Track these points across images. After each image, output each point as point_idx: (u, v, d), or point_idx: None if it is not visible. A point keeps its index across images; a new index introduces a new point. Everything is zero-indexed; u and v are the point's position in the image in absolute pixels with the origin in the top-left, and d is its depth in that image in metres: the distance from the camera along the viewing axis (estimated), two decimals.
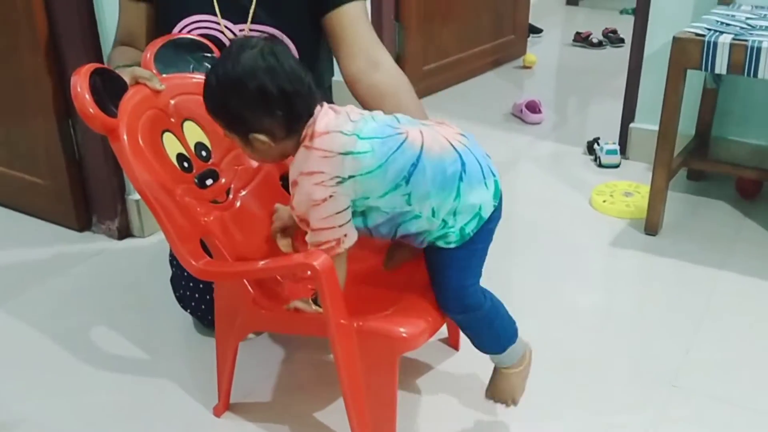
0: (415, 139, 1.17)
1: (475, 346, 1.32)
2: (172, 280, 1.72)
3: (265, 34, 1.31)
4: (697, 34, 1.90)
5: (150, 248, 2.05)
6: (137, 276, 1.94)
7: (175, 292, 1.71)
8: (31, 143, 2.09)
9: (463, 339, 1.51)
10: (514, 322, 1.31)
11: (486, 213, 1.21)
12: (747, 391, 1.50)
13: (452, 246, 1.21)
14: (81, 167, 2.06)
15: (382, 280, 1.40)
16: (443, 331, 1.62)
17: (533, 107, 2.95)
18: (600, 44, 3.99)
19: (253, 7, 1.51)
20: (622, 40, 3.97)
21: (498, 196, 1.23)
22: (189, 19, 1.51)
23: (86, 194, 2.09)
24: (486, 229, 1.23)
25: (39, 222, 2.19)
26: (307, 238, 1.21)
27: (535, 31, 4.15)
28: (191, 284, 1.66)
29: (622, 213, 2.21)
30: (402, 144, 1.15)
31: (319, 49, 1.62)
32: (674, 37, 1.92)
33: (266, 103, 1.14)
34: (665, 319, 1.74)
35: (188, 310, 1.69)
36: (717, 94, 2.34)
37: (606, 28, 4.10)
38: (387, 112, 1.25)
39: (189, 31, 1.53)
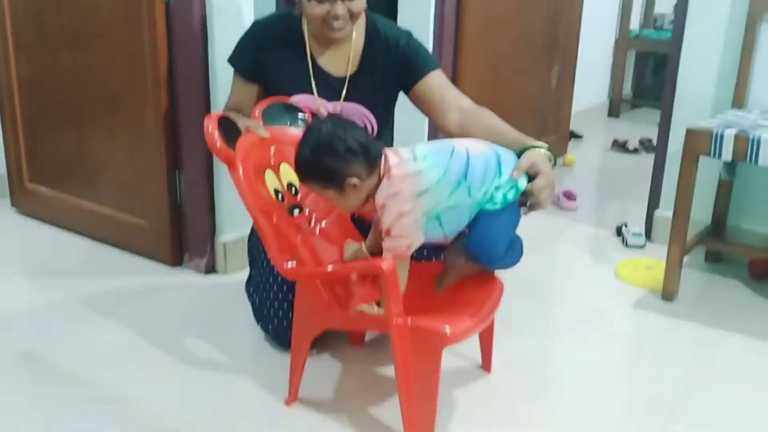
0: (460, 145, 1.57)
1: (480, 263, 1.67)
2: (254, 309, 2.04)
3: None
4: (708, 128, 2.24)
5: (231, 284, 2.40)
6: (220, 304, 2.28)
7: (256, 317, 2.03)
8: (140, 189, 2.50)
9: (494, 364, 1.83)
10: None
11: (522, 185, 1.59)
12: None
13: (497, 207, 1.57)
14: (180, 212, 2.46)
15: (433, 296, 1.72)
16: (478, 358, 1.92)
17: (569, 195, 3.28)
18: (636, 151, 4.35)
19: (345, 89, 1.93)
20: (656, 148, 4.30)
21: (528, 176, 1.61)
22: (293, 98, 1.93)
23: (182, 235, 2.48)
24: (520, 199, 1.61)
25: (137, 257, 2.57)
26: (386, 243, 1.55)
27: (576, 136, 4.54)
28: (273, 310, 1.97)
29: (644, 282, 2.49)
30: (453, 151, 1.55)
31: (392, 117, 2.02)
32: (688, 129, 2.27)
33: (352, 152, 1.52)
34: (673, 366, 2.00)
35: (268, 331, 2.00)
36: (731, 186, 2.65)
37: (642, 137, 4.46)
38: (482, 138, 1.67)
39: None
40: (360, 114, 1.96)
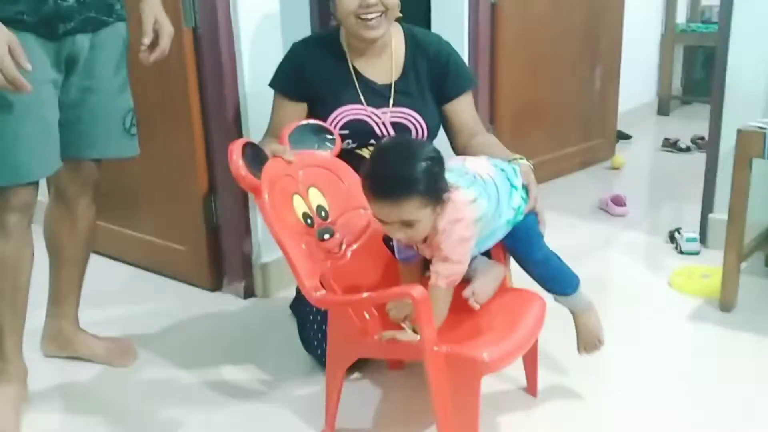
0: (481, 172, 1.57)
1: (557, 293, 1.68)
2: (299, 326, 2.01)
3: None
4: (760, 128, 2.12)
5: (270, 307, 2.37)
6: (261, 328, 2.25)
7: (300, 336, 1.99)
8: (177, 216, 2.49)
9: (541, 388, 1.74)
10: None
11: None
12: None
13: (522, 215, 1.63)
14: (217, 236, 2.44)
15: (470, 316, 1.64)
16: (523, 380, 1.83)
17: (618, 201, 3.16)
18: (687, 149, 4.19)
19: (392, 95, 1.92)
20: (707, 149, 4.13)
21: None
22: (342, 108, 1.92)
23: (219, 259, 2.46)
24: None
25: (177, 283, 2.56)
26: (441, 269, 1.50)
27: (625, 137, 4.39)
28: (315, 329, 1.93)
29: (699, 291, 2.36)
30: (482, 180, 1.54)
31: (438, 127, 2.00)
32: (739, 130, 2.15)
33: (440, 160, 1.46)
34: (734, 381, 1.88)
35: (310, 352, 1.96)
36: None
37: (694, 135, 4.29)
38: None
39: (342, 118, 1.92)
40: (411, 119, 1.93)
